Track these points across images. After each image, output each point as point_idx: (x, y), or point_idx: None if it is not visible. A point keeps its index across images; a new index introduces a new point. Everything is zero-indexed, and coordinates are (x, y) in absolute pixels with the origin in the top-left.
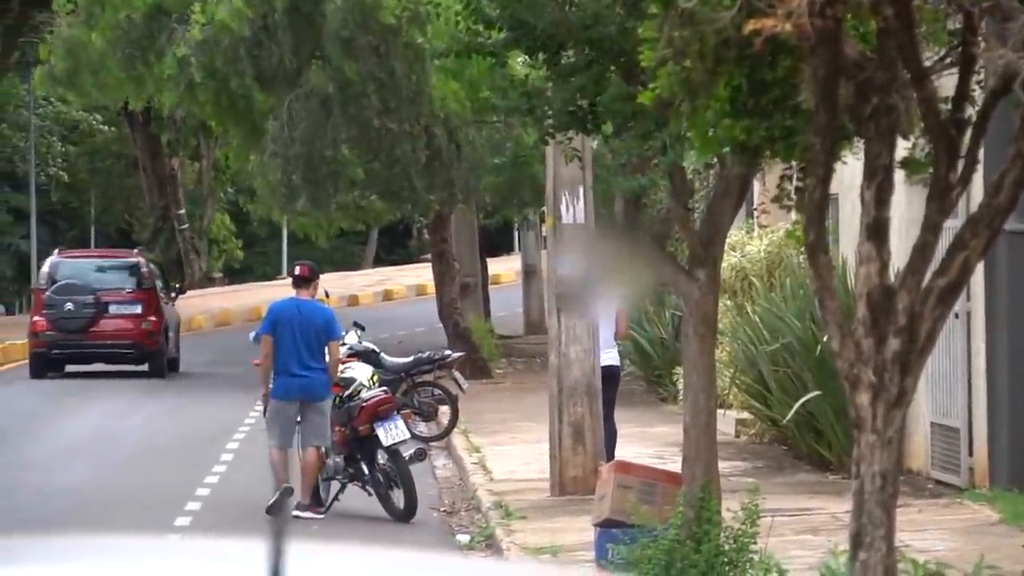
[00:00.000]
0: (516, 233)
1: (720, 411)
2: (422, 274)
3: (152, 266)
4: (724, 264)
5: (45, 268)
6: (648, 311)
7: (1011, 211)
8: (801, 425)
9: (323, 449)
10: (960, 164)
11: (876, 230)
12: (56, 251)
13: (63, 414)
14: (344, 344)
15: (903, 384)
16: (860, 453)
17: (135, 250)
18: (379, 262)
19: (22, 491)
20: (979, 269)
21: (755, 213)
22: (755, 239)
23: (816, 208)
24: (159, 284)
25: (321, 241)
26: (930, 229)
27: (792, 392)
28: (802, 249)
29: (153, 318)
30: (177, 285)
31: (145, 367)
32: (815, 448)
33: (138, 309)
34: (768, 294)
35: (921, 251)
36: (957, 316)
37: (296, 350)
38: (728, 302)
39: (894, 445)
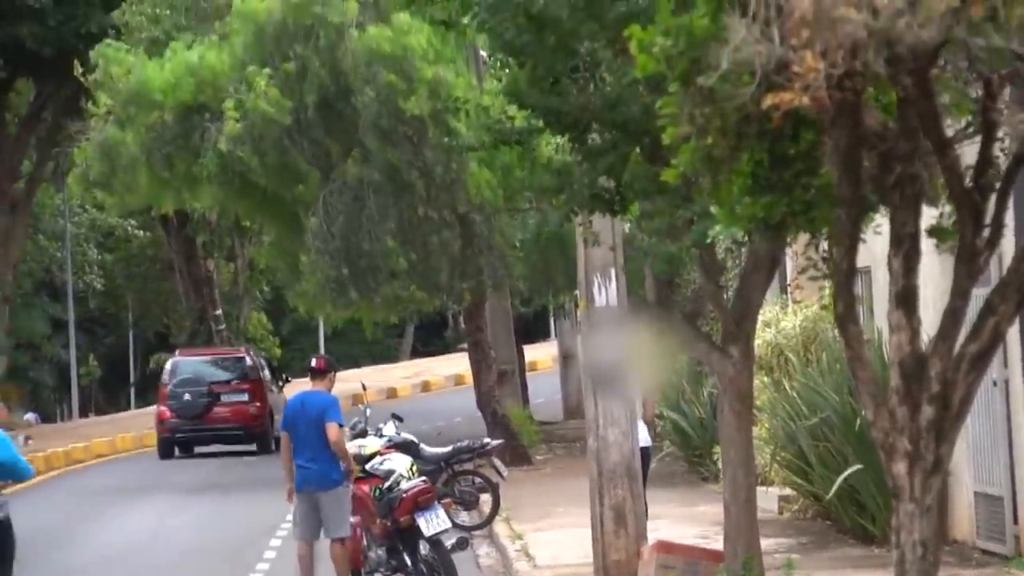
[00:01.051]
0: (552, 319)
1: (762, 488)
2: (459, 364)
3: (260, 359)
4: (759, 340)
5: (168, 366)
6: (685, 391)
7: None
8: (844, 499)
9: (357, 537)
10: (987, 230)
11: (905, 298)
12: (177, 352)
13: (107, 517)
14: (382, 435)
15: (939, 451)
16: (899, 522)
17: (242, 347)
18: (416, 354)
19: None
20: (1015, 336)
21: (789, 288)
22: (789, 314)
23: (844, 279)
24: (266, 375)
25: (368, 332)
26: (959, 295)
27: (833, 466)
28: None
29: (258, 404)
30: (285, 376)
31: (254, 447)
32: (859, 522)
33: (245, 397)
34: (805, 369)
35: (951, 317)
36: (996, 384)
37: (303, 442)
38: (765, 378)
39: (933, 513)
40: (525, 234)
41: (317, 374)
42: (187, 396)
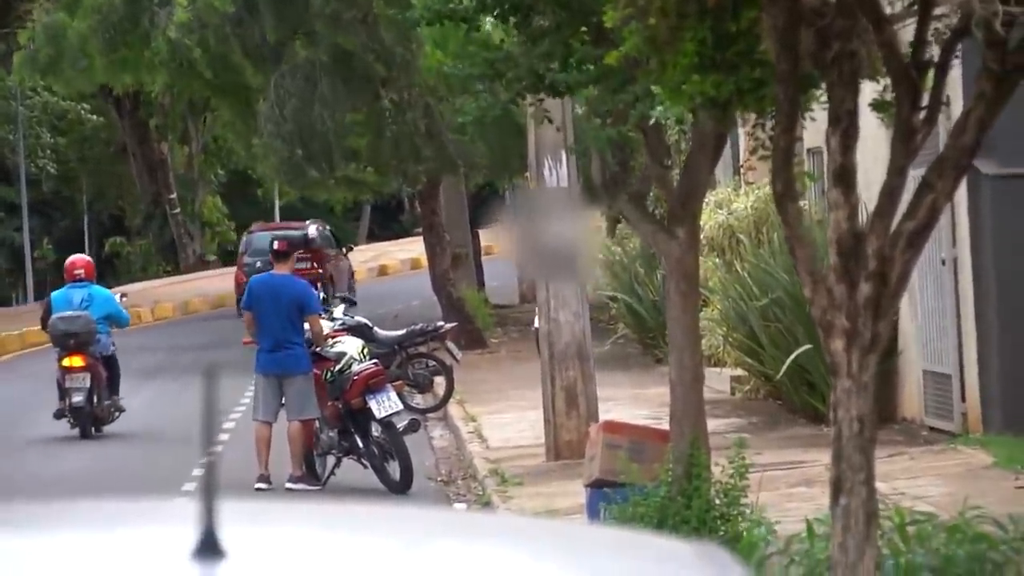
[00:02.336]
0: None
1: (715, 369)
2: (416, 248)
3: (325, 231)
4: (711, 222)
5: (243, 238)
6: (639, 273)
7: (976, 151)
8: (794, 379)
9: (315, 422)
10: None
11: (842, 176)
12: (253, 225)
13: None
14: (333, 319)
15: (876, 328)
16: (837, 399)
17: (308, 221)
18: (372, 238)
19: (21, 476)
20: (963, 214)
21: (741, 170)
22: (741, 196)
23: (783, 157)
24: (331, 245)
25: (339, 209)
26: (896, 172)
27: (784, 347)
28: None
29: (320, 270)
30: (350, 245)
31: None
32: (809, 401)
33: (307, 265)
34: (756, 250)
35: (889, 195)
36: (944, 263)
37: (271, 326)
38: (716, 260)
39: (870, 390)
40: (466, 117)
41: (280, 256)
42: (258, 263)
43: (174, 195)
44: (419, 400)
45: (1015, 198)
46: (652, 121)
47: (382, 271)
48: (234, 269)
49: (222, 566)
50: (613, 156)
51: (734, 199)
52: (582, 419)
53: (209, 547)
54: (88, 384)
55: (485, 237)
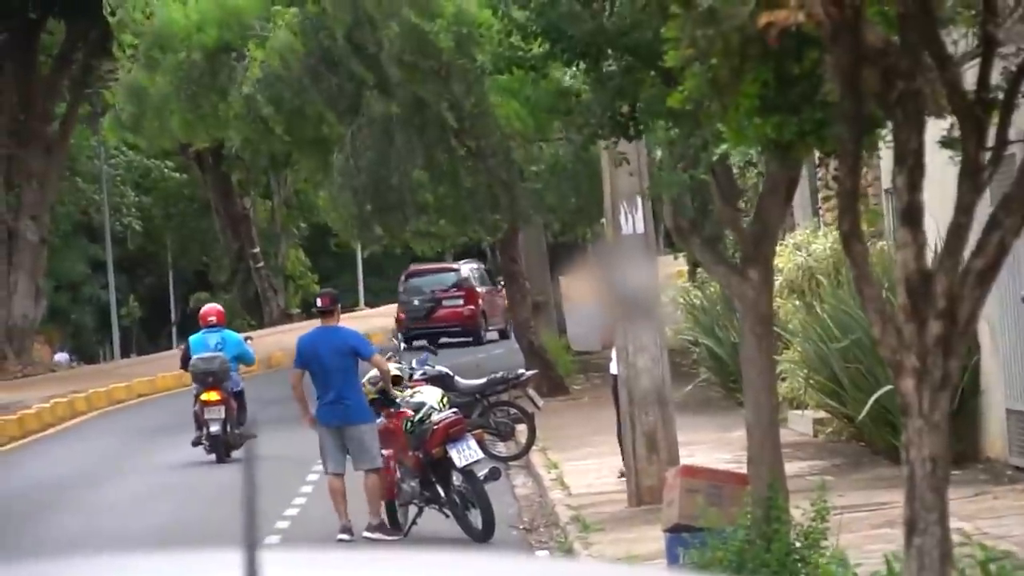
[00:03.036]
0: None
1: (797, 412)
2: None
3: (480, 270)
4: (790, 264)
5: (401, 281)
6: (720, 317)
7: None
8: (877, 420)
9: (390, 470)
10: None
11: (910, 215)
12: (410, 267)
13: (145, 456)
14: (412, 369)
15: (947, 367)
16: (908, 439)
17: (462, 261)
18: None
19: (97, 539)
20: None
21: (819, 211)
22: (820, 237)
23: (848, 197)
24: (484, 282)
25: (425, 250)
26: (963, 210)
27: (865, 388)
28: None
29: (472, 307)
30: (501, 281)
31: (470, 339)
32: (891, 442)
33: (460, 302)
34: (836, 291)
35: (956, 233)
36: None
37: (325, 379)
38: (796, 302)
39: (942, 429)
40: (540, 165)
41: (326, 312)
42: (416, 302)
43: (257, 249)
44: (502, 448)
45: None
46: (717, 159)
47: None
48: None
49: None
50: (692, 201)
51: (812, 240)
52: (663, 464)
53: None
54: (223, 415)
55: (565, 284)
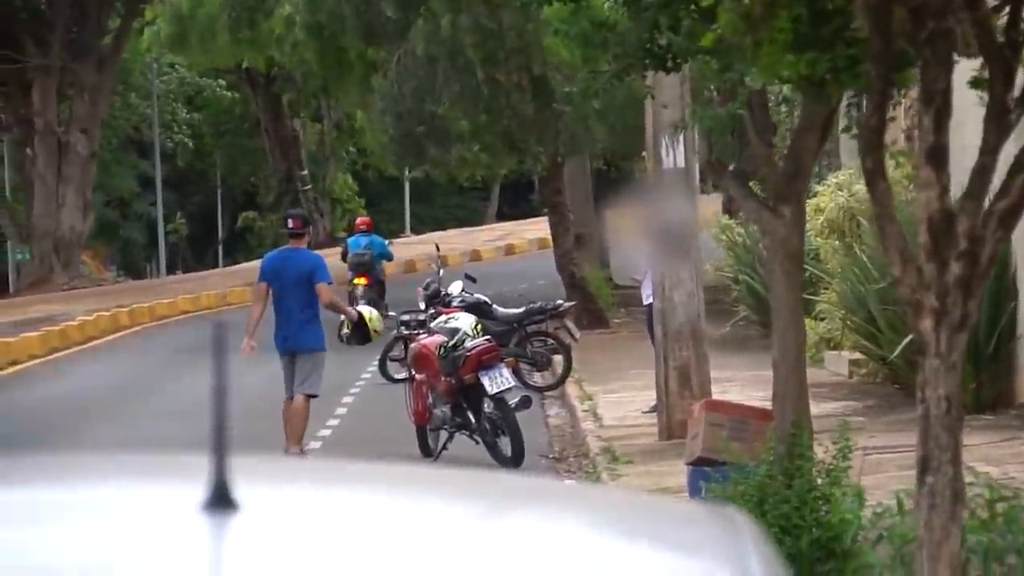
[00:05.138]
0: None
1: (833, 352)
2: (544, 228)
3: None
4: (832, 204)
5: None
6: (761, 254)
7: None
8: (911, 363)
9: (423, 394)
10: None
11: (935, 155)
12: None
13: (182, 372)
14: (450, 295)
15: (966, 308)
16: (925, 378)
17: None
18: (502, 217)
19: (134, 446)
20: None
21: None
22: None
23: (873, 134)
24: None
25: (448, 182)
26: (988, 152)
27: (901, 330)
28: (909, 184)
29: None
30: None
31: None
32: None
33: None
34: (876, 233)
35: (980, 174)
36: None
37: (285, 301)
38: (836, 242)
39: (958, 369)
40: (572, 89)
41: (296, 234)
42: None
43: (305, 171)
44: (537, 378)
45: None
46: (749, 90)
47: (509, 250)
48: None
49: (234, 519)
50: (732, 135)
51: (855, 181)
52: (695, 398)
53: (221, 500)
54: (369, 295)
55: (609, 217)
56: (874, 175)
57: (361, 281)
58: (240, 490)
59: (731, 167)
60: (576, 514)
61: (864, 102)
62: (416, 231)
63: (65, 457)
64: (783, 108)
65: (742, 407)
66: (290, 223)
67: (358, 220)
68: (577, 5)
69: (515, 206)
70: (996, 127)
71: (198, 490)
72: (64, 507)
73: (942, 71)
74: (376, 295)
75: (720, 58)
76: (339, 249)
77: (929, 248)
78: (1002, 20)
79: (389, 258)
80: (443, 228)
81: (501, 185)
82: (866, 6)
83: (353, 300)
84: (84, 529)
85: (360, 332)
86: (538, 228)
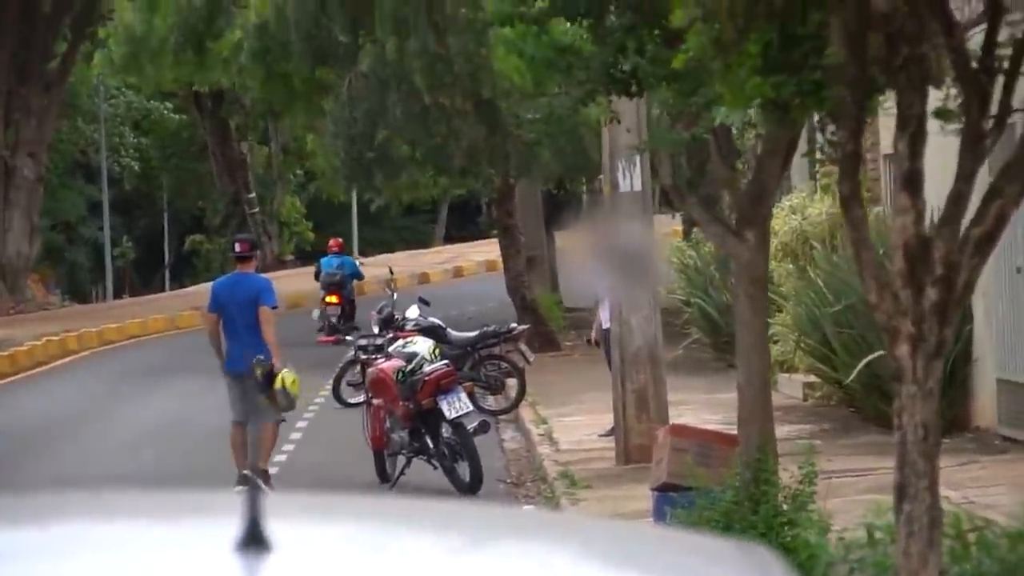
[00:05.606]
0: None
1: (787, 375)
2: (492, 250)
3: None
4: (785, 227)
5: None
6: (714, 277)
7: None
8: (867, 386)
9: (380, 419)
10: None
11: (910, 180)
12: None
13: (134, 398)
14: (406, 319)
15: (942, 334)
16: (901, 404)
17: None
18: (449, 239)
19: (87, 478)
20: None
21: (816, 175)
22: (816, 201)
23: (849, 161)
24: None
25: (396, 204)
26: (963, 178)
27: (857, 353)
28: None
29: None
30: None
31: None
32: (881, 408)
33: None
34: (830, 256)
35: (955, 200)
36: (1020, 271)
37: (234, 325)
38: (790, 265)
39: (934, 395)
40: (536, 115)
41: (244, 258)
42: None
43: (253, 194)
44: (491, 402)
45: None
46: (718, 122)
47: (457, 272)
48: (311, 268)
49: (268, 559)
50: (688, 160)
51: (808, 204)
52: (652, 423)
53: (254, 539)
54: (339, 313)
55: (560, 240)
56: (850, 200)
57: (332, 300)
58: (273, 529)
59: (696, 191)
60: (608, 552)
61: (828, 126)
62: (364, 253)
63: (99, 495)
64: (748, 134)
65: (707, 432)
66: (237, 247)
67: (331, 241)
68: (540, 28)
69: (462, 228)
70: (971, 153)
71: (231, 529)
72: (98, 545)
73: (917, 97)
74: (345, 314)
75: (687, 82)
76: (288, 272)
77: (905, 274)
78: (977, 46)
79: (360, 278)
80: (391, 251)
81: (448, 207)
82: (843, 32)
83: (325, 318)
84: (117, 568)
85: (279, 397)
86: (486, 250)
